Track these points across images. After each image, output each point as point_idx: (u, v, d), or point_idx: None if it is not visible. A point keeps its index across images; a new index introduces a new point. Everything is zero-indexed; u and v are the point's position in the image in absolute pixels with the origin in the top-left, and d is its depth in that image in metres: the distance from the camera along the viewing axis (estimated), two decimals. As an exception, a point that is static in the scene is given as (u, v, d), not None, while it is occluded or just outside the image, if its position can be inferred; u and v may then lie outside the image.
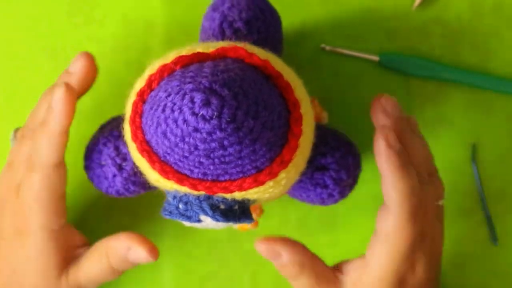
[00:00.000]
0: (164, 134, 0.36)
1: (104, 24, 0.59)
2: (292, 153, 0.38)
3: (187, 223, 0.41)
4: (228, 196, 0.39)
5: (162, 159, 0.38)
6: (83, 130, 0.57)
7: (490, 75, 0.58)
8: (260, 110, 0.36)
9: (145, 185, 0.47)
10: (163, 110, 0.36)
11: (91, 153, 0.48)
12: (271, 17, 0.48)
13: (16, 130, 0.52)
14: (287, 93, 0.39)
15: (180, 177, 0.37)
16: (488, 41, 0.58)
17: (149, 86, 0.38)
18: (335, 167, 0.46)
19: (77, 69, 0.49)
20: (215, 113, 0.34)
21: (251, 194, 0.39)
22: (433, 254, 0.48)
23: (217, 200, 0.39)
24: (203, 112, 0.34)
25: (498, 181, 0.58)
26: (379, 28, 0.58)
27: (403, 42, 0.58)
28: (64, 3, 0.59)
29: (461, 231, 0.58)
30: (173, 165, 0.37)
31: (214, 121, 0.34)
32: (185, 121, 0.35)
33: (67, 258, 0.49)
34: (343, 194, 0.47)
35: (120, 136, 0.46)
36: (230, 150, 0.35)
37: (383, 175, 0.45)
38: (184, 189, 0.39)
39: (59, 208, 0.48)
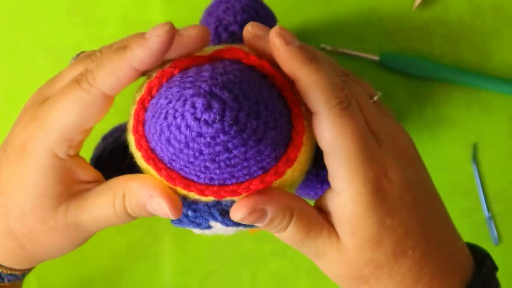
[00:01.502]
0: (168, 141, 0.36)
1: (104, 24, 0.59)
2: (297, 151, 0.38)
3: (197, 231, 0.41)
4: (237, 199, 0.39)
5: (168, 166, 0.38)
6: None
7: (490, 75, 0.58)
8: (261, 110, 0.36)
9: None
10: (165, 117, 0.36)
11: (96, 165, 0.47)
12: (266, 18, 0.48)
13: (81, 52, 0.46)
14: (285, 92, 0.39)
15: (187, 183, 0.37)
16: (488, 41, 0.58)
17: (149, 93, 0.38)
18: None
19: (188, 34, 0.40)
20: (217, 117, 0.34)
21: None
22: (403, 153, 0.41)
23: (226, 205, 0.39)
24: (205, 116, 0.34)
25: (498, 181, 0.58)
26: (379, 28, 0.58)
27: (403, 42, 0.58)
28: (64, 3, 0.59)
29: (461, 231, 0.58)
30: (179, 171, 0.37)
31: (217, 125, 0.34)
32: (188, 126, 0.35)
33: (70, 192, 0.42)
34: None
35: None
36: (235, 152, 0.35)
37: (295, 78, 0.38)
38: (192, 195, 0.39)
39: (74, 139, 0.41)
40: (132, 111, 0.40)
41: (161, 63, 0.39)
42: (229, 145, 0.35)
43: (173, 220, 0.40)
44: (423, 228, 0.41)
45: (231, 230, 0.40)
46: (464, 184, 0.58)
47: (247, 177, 0.37)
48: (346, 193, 0.39)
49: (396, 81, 0.58)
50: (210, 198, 0.39)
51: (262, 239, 0.57)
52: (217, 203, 0.39)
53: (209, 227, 0.40)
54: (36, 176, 0.41)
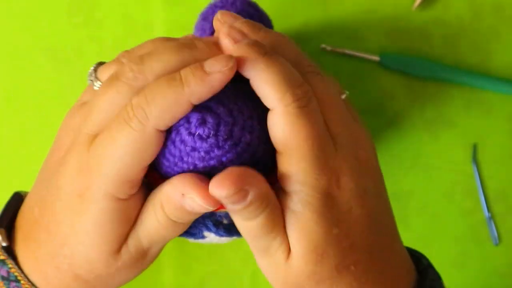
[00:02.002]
0: (163, 155, 0.36)
1: (104, 24, 0.59)
2: None
3: (191, 240, 0.41)
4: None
5: (164, 178, 0.38)
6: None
7: (490, 75, 0.58)
8: (255, 125, 0.36)
9: None
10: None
11: None
12: (261, 23, 0.49)
13: (99, 64, 0.43)
14: None
15: None
16: (488, 42, 0.58)
17: None
18: None
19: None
20: (212, 132, 0.34)
21: None
22: (361, 161, 0.39)
23: (219, 215, 0.39)
24: (199, 131, 0.34)
25: (498, 181, 0.58)
26: (379, 28, 0.58)
27: (403, 42, 0.58)
28: (64, 3, 0.59)
29: (461, 231, 0.58)
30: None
31: (211, 140, 0.34)
32: (182, 141, 0.35)
33: (130, 229, 0.39)
34: None
35: None
36: (229, 166, 0.35)
37: (249, 77, 0.36)
38: None
39: (136, 180, 0.37)
40: None
41: None
42: (223, 159, 0.35)
43: None
44: (369, 242, 0.38)
45: (224, 240, 0.41)
46: (464, 184, 0.58)
47: None
48: (295, 195, 0.37)
49: (396, 81, 0.58)
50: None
51: (262, 239, 0.57)
52: (211, 214, 0.39)
53: (203, 237, 0.40)
54: (98, 223, 0.38)
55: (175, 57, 0.37)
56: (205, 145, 0.35)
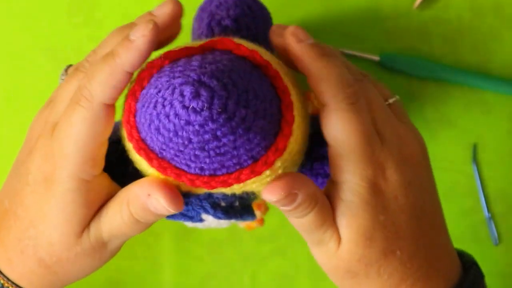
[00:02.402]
0: (158, 130, 0.36)
1: (104, 24, 0.59)
2: (286, 140, 0.38)
3: (189, 224, 0.41)
4: (228, 191, 0.39)
5: (159, 156, 0.38)
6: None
7: (490, 75, 0.58)
8: (251, 99, 0.36)
9: None
10: (155, 107, 0.36)
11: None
12: (260, 13, 0.49)
13: (68, 66, 0.46)
14: (276, 81, 0.39)
15: (178, 173, 0.37)
16: (488, 42, 0.58)
17: (140, 84, 0.38)
18: None
19: (163, 13, 0.41)
20: (206, 105, 0.34)
21: (250, 185, 0.39)
22: (406, 156, 0.42)
23: (217, 197, 0.39)
24: (193, 104, 0.34)
25: (498, 181, 0.58)
26: (379, 28, 0.58)
27: (403, 42, 0.58)
28: (64, 3, 0.59)
29: (461, 231, 0.58)
30: (170, 161, 0.38)
31: (205, 113, 0.34)
32: (176, 115, 0.35)
33: (92, 214, 0.42)
34: None
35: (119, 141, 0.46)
36: (224, 140, 0.35)
37: (307, 74, 0.40)
38: (183, 187, 0.39)
39: (96, 157, 0.40)
40: (125, 103, 0.40)
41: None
42: (218, 133, 0.35)
43: None
44: (413, 230, 0.42)
45: (223, 223, 0.40)
46: (464, 184, 0.58)
47: (237, 167, 0.37)
48: (344, 185, 0.40)
49: (396, 81, 0.58)
50: (202, 190, 0.39)
51: (262, 239, 0.57)
52: (209, 196, 0.39)
53: (201, 220, 0.40)
54: (62, 204, 0.40)
55: (117, 39, 0.41)
56: (199, 118, 0.34)
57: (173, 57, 0.38)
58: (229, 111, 0.35)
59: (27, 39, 0.59)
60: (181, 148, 0.36)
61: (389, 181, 0.41)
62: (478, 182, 0.57)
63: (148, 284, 0.57)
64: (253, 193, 0.40)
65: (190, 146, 0.36)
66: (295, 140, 0.39)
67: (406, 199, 0.41)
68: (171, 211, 0.39)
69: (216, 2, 0.47)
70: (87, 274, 0.44)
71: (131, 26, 0.41)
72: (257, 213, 0.49)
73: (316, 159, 0.46)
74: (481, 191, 0.57)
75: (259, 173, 0.38)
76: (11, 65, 0.59)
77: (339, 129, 0.40)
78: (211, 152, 0.36)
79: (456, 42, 0.58)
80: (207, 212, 0.39)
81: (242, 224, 0.49)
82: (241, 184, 0.38)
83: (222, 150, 0.36)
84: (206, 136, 0.35)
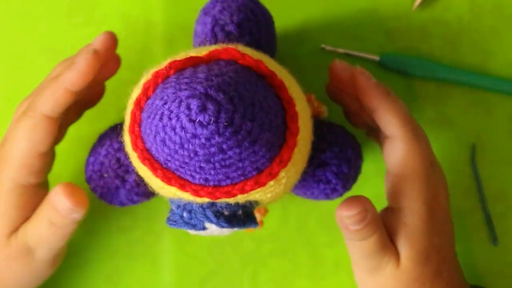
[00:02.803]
0: (163, 142, 0.36)
1: (104, 24, 0.59)
2: (290, 152, 0.38)
3: (192, 232, 0.41)
4: (231, 200, 0.39)
5: (163, 166, 0.38)
6: (83, 130, 0.57)
7: (490, 75, 0.58)
8: (256, 112, 0.36)
9: (148, 194, 0.47)
10: (161, 119, 0.36)
11: (92, 166, 0.48)
12: (263, 18, 0.49)
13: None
14: (281, 92, 0.39)
15: (183, 183, 0.38)
16: (488, 41, 0.58)
17: (145, 93, 0.38)
18: (335, 162, 0.46)
19: (100, 41, 0.47)
20: (212, 119, 0.34)
21: (254, 195, 0.39)
22: (446, 184, 0.49)
23: (220, 206, 0.39)
24: (200, 118, 0.34)
25: (498, 181, 0.58)
26: (379, 28, 0.58)
27: (403, 42, 0.58)
28: (64, 3, 0.59)
29: (461, 231, 0.58)
30: (175, 171, 0.38)
31: (212, 126, 0.35)
32: (183, 128, 0.35)
33: (27, 218, 0.46)
34: (346, 187, 0.48)
35: (120, 149, 0.46)
36: (230, 153, 0.36)
37: (375, 107, 0.45)
38: (187, 196, 0.39)
39: (35, 166, 0.45)
40: (129, 111, 0.40)
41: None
42: (224, 146, 0.35)
43: (168, 221, 0.41)
44: (453, 254, 0.47)
45: (226, 231, 0.41)
46: (464, 184, 0.58)
47: (242, 178, 0.37)
48: (407, 210, 0.44)
49: (396, 81, 0.58)
50: (205, 199, 0.39)
51: (262, 239, 0.57)
52: (212, 204, 0.39)
53: (204, 228, 0.40)
54: (1, 204, 0.45)
55: (61, 68, 0.48)
56: (205, 131, 0.35)
57: (179, 67, 0.38)
58: (236, 125, 0.35)
59: (27, 39, 0.59)
60: (187, 160, 0.36)
61: (441, 206, 0.46)
62: (478, 182, 0.57)
63: (148, 284, 0.57)
64: (256, 202, 0.41)
65: (196, 158, 0.36)
66: (299, 150, 0.39)
67: (450, 225, 0.47)
68: (73, 208, 0.44)
69: (219, 7, 0.47)
70: (20, 284, 0.47)
71: (76, 55, 0.47)
72: (257, 215, 0.49)
73: (318, 165, 0.46)
74: (481, 191, 0.57)
75: (263, 184, 0.38)
76: (11, 65, 0.59)
77: (406, 157, 0.44)
78: (217, 164, 0.36)
79: (456, 42, 0.58)
80: (210, 221, 0.39)
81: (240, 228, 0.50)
82: (245, 195, 0.38)
83: (228, 163, 0.36)
84: (212, 149, 0.35)
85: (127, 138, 0.40)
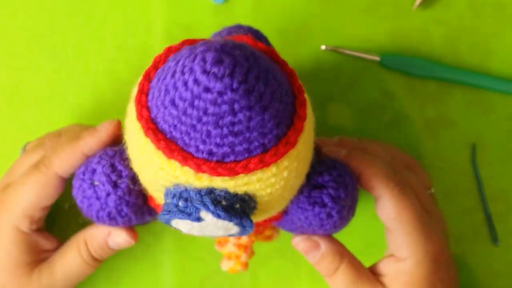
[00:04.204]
0: (172, 101, 0.35)
1: (104, 24, 0.59)
2: (297, 135, 0.38)
3: (184, 227, 0.40)
4: (231, 186, 0.38)
5: (168, 136, 0.37)
6: (83, 130, 0.57)
7: (490, 75, 0.58)
8: (270, 79, 0.35)
9: (137, 209, 0.46)
10: (173, 75, 0.35)
11: (82, 175, 0.46)
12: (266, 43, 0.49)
13: (27, 144, 0.54)
14: (292, 79, 0.38)
15: (185, 156, 0.36)
16: (488, 41, 0.58)
17: (155, 66, 0.38)
18: (333, 185, 0.45)
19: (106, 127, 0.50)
20: (227, 71, 0.33)
21: (253, 184, 0.38)
22: (448, 232, 0.51)
23: (218, 194, 0.38)
24: (214, 70, 0.33)
25: (499, 180, 0.58)
26: (380, 28, 0.58)
27: (403, 42, 0.58)
28: (64, 3, 0.59)
29: (461, 231, 0.58)
30: (179, 142, 0.37)
31: (226, 80, 0.33)
32: (195, 81, 0.34)
33: (37, 260, 0.49)
34: (341, 214, 0.46)
35: (114, 155, 0.46)
36: (240, 116, 0.35)
37: (358, 175, 0.47)
38: (186, 178, 0.38)
39: (37, 217, 0.49)
40: (135, 89, 0.39)
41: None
42: (235, 106, 0.34)
43: (161, 214, 0.39)
44: None
45: (220, 226, 0.40)
46: (464, 184, 0.58)
47: (246, 154, 0.37)
48: (409, 260, 0.46)
49: (396, 81, 0.58)
50: (204, 183, 0.38)
51: (262, 239, 0.57)
52: (210, 192, 0.38)
53: (199, 219, 0.39)
54: (7, 250, 0.48)
55: (76, 129, 0.52)
56: (219, 85, 0.33)
57: (191, 43, 0.38)
58: (249, 83, 0.34)
59: (27, 39, 0.59)
60: (195, 122, 0.35)
61: (442, 251, 0.48)
62: (478, 182, 0.57)
63: (148, 284, 0.57)
64: (254, 200, 0.40)
65: (205, 119, 0.35)
66: (304, 142, 0.39)
67: (454, 269, 0.49)
68: (132, 243, 0.49)
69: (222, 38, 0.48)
70: None
71: (88, 126, 0.51)
72: (243, 256, 0.50)
73: (314, 187, 0.45)
74: (481, 191, 0.57)
75: (267, 164, 0.37)
76: (11, 65, 0.59)
77: (398, 212, 0.46)
78: (225, 130, 0.35)
79: (456, 42, 0.58)
80: (207, 208, 0.38)
81: (225, 267, 0.50)
82: (245, 179, 0.38)
83: (236, 129, 0.35)
84: (223, 108, 0.34)
85: (131, 113, 0.39)
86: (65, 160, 0.47)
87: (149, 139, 0.37)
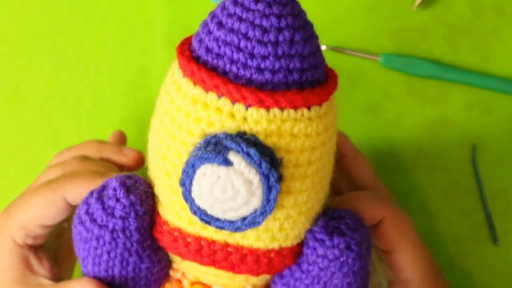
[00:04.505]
0: (220, 22, 0.37)
1: (104, 24, 0.59)
2: (328, 95, 0.39)
3: (206, 191, 0.38)
4: (262, 132, 0.37)
5: (207, 67, 0.38)
6: (83, 130, 0.58)
7: (490, 75, 0.58)
8: (310, 25, 0.38)
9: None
10: (222, 4, 0.38)
11: (90, 193, 0.43)
12: None
13: (60, 152, 0.52)
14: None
15: (224, 80, 0.37)
16: (488, 41, 0.58)
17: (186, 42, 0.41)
18: (350, 217, 0.43)
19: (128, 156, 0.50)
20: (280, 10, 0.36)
21: (284, 136, 0.38)
22: (392, 198, 0.52)
23: (249, 138, 0.37)
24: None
25: (499, 180, 0.58)
26: (380, 28, 0.58)
27: (403, 42, 0.58)
28: (64, 3, 0.59)
29: (461, 231, 0.58)
30: (219, 70, 0.38)
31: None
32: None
33: (25, 282, 0.47)
34: (360, 249, 0.42)
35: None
36: (285, 34, 0.36)
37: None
38: (219, 117, 0.37)
39: (34, 233, 0.47)
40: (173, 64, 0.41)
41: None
42: (282, 22, 0.36)
43: (189, 157, 0.38)
44: None
45: (245, 180, 0.37)
46: (464, 184, 0.58)
47: (283, 86, 0.37)
48: (416, 277, 0.46)
49: (396, 81, 0.58)
50: (236, 122, 0.37)
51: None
52: (241, 135, 0.37)
53: (226, 161, 0.36)
54: (5, 259, 0.47)
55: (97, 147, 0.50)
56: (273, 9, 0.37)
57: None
58: (295, 9, 0.37)
59: (27, 39, 0.59)
60: (240, 37, 0.37)
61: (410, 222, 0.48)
62: (478, 182, 0.57)
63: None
64: (280, 163, 0.38)
65: (251, 33, 0.36)
66: (331, 123, 0.40)
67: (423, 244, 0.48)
68: None
69: None
70: None
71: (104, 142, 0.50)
72: None
73: (332, 218, 0.43)
74: (481, 191, 0.57)
75: (297, 105, 0.37)
76: (11, 65, 0.59)
77: (412, 264, 0.46)
78: (269, 47, 0.37)
79: (456, 42, 0.58)
80: (237, 145, 0.36)
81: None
82: (278, 123, 0.37)
83: (279, 51, 0.37)
84: (271, 20, 0.36)
85: (167, 78, 0.41)
86: (78, 191, 0.45)
87: (188, 75, 0.38)
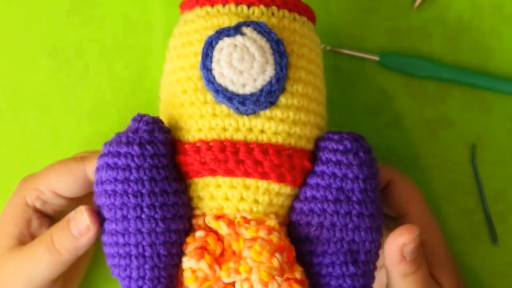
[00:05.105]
0: None
1: (104, 24, 0.59)
2: (313, 15, 0.48)
3: (224, 58, 0.42)
4: (265, 15, 0.44)
5: None
6: (84, 130, 0.58)
7: (490, 75, 0.58)
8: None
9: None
10: None
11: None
12: None
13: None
14: None
15: None
16: (488, 41, 0.58)
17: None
18: (347, 137, 0.45)
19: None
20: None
21: (286, 30, 0.45)
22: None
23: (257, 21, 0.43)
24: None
25: (498, 181, 0.58)
26: (379, 28, 0.58)
27: (403, 42, 0.58)
28: (64, 3, 0.59)
29: (461, 231, 0.58)
30: None
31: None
32: None
33: (21, 240, 0.47)
34: (368, 155, 0.45)
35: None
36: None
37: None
38: (228, 18, 0.44)
39: (44, 194, 0.47)
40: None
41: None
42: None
43: (208, 38, 0.43)
44: None
45: (259, 47, 0.42)
46: (464, 184, 0.58)
47: None
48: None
49: (396, 81, 0.58)
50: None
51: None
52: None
53: (241, 31, 0.42)
54: (5, 208, 0.48)
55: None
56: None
57: None
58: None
59: (27, 39, 0.59)
60: None
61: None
62: (478, 182, 0.57)
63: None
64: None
65: None
66: (315, 47, 0.47)
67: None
68: (92, 227, 0.43)
69: None
70: None
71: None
72: None
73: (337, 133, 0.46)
74: (481, 191, 0.57)
75: (290, 8, 0.45)
76: (12, 65, 0.59)
77: (426, 226, 0.47)
78: None
79: (456, 42, 0.58)
80: (248, 21, 0.43)
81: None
82: (281, 12, 0.45)
83: None
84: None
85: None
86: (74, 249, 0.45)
87: (194, 4, 0.45)
